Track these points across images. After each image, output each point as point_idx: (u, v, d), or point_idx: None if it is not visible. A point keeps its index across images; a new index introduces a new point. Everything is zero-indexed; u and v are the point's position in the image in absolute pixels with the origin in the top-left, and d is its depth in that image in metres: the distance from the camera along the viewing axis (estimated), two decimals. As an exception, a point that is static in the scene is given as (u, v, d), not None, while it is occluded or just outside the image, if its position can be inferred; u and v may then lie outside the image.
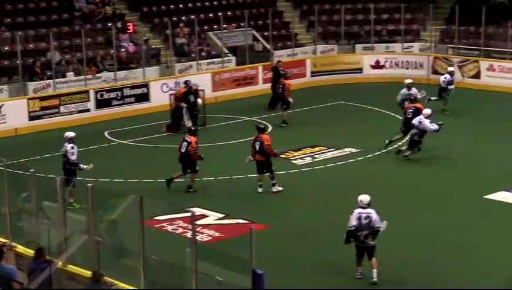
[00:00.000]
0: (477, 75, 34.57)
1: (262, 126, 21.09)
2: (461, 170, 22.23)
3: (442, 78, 29.08)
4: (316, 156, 23.42)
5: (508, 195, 19.62)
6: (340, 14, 37.39)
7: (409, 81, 26.80)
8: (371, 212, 14.70)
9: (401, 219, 17.65)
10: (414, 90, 26.07)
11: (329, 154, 23.64)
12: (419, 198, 19.82)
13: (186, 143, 20.62)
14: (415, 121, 22.52)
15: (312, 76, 35.72)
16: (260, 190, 20.24)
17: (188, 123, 26.16)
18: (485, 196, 19.62)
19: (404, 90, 26.08)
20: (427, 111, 22.75)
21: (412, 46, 37.15)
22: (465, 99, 30.05)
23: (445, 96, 28.64)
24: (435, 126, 22.29)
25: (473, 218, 18.34)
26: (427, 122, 22.27)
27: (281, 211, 19.20)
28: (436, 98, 28.47)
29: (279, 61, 32.02)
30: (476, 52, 35.39)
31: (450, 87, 28.55)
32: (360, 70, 36.50)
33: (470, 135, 25.86)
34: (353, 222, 14.69)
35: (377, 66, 36.42)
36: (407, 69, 36.25)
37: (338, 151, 23.90)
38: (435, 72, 35.35)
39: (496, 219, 18.32)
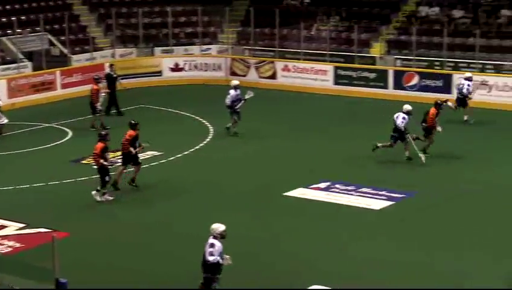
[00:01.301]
0: (273, 76, 35.59)
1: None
2: (261, 168, 22.76)
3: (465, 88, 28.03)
4: (119, 160, 23.19)
5: (306, 191, 20.31)
6: (137, 17, 37.33)
7: (235, 82, 26.90)
8: (209, 242, 13.20)
9: (199, 219, 17.74)
10: (233, 92, 26.07)
11: (132, 158, 23.42)
12: (219, 198, 20.09)
13: None
14: (399, 122, 22.65)
15: (112, 80, 35.39)
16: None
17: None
18: (284, 193, 20.18)
19: (232, 92, 26.09)
20: (407, 107, 22.93)
21: (210, 49, 37.70)
22: (263, 100, 30.75)
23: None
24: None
25: (271, 215, 18.76)
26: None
27: (82, 218, 18.92)
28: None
29: (111, 64, 31.64)
30: (271, 53, 36.42)
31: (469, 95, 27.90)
32: (159, 73, 36.62)
33: (275, 137, 26.47)
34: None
35: (176, 68, 36.70)
36: (205, 71, 36.79)
37: (140, 155, 23.78)
38: (233, 73, 36.08)
39: (293, 215, 18.87)
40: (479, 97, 30.28)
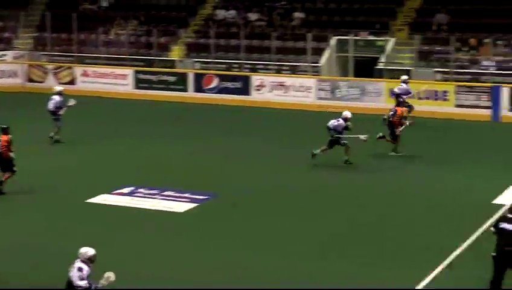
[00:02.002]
0: (72, 81, 34.92)
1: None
2: (66, 176, 22.17)
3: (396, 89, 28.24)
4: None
5: (109, 197, 20.03)
6: None
7: (59, 88, 26.48)
8: (77, 266, 12.29)
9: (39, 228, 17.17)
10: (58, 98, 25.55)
11: None
12: (14, 207, 19.38)
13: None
14: (331, 123, 22.38)
15: None
16: None
17: None
18: (86, 200, 19.79)
19: (57, 98, 25.67)
20: (346, 114, 22.57)
21: (6, 55, 36.44)
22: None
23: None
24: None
25: (70, 222, 18.25)
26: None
27: None
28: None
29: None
30: (70, 59, 35.72)
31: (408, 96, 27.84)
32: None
33: (77, 144, 25.94)
34: None
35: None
36: (1, 78, 35.51)
37: None
38: (31, 80, 35.11)
39: (95, 221, 18.46)
40: (276, 98, 31.20)
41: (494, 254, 13.08)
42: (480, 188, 20.31)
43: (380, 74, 32.18)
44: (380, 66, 32.39)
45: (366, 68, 32.30)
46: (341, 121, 22.39)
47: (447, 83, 30.77)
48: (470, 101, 30.05)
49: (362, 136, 22.77)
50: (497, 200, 19.20)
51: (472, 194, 19.89)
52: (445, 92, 30.50)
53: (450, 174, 21.76)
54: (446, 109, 29.76)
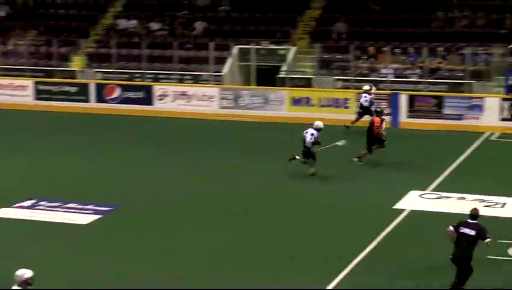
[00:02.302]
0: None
1: None
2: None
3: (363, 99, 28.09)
4: None
5: (8, 211, 19.53)
6: None
7: None
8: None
9: None
10: None
11: None
12: None
13: None
14: (308, 138, 21.89)
15: None
16: None
17: None
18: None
19: None
20: (318, 123, 22.19)
21: None
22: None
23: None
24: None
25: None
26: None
27: None
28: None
29: None
30: None
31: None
32: None
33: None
34: None
35: None
36: None
37: None
38: None
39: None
40: (179, 107, 31.14)
41: (451, 256, 13.38)
42: (381, 194, 20.45)
43: (282, 83, 32.38)
44: (282, 74, 32.59)
45: (268, 77, 32.47)
46: (316, 134, 22.03)
47: (348, 90, 31.15)
48: (370, 108, 30.39)
49: (339, 143, 22.72)
50: (398, 205, 19.46)
51: (373, 200, 20.00)
52: (346, 99, 30.80)
53: (351, 181, 21.93)
54: (347, 116, 29.85)
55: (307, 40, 34.18)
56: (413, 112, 30.10)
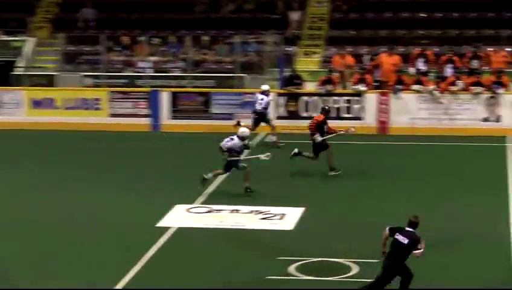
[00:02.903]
0: None
1: None
2: None
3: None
4: None
5: None
6: None
7: None
8: None
9: None
10: None
11: None
12: None
13: None
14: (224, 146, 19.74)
15: None
16: None
17: None
18: None
19: None
20: (243, 131, 19.98)
21: None
22: None
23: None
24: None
25: None
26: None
27: None
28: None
29: None
30: None
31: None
32: None
33: None
34: None
35: None
36: None
37: None
38: None
39: None
40: None
41: (382, 259, 13.20)
42: (143, 210, 18.37)
43: (18, 81, 29.45)
44: (18, 71, 29.86)
45: (1, 74, 29.47)
46: (236, 140, 19.85)
47: (99, 89, 28.61)
48: (126, 109, 27.88)
49: (263, 156, 20.18)
50: (162, 223, 17.49)
51: (134, 217, 17.89)
52: (96, 99, 28.03)
53: (110, 195, 19.53)
54: (99, 119, 27.27)
55: (48, 30, 31.78)
56: (176, 112, 27.88)
